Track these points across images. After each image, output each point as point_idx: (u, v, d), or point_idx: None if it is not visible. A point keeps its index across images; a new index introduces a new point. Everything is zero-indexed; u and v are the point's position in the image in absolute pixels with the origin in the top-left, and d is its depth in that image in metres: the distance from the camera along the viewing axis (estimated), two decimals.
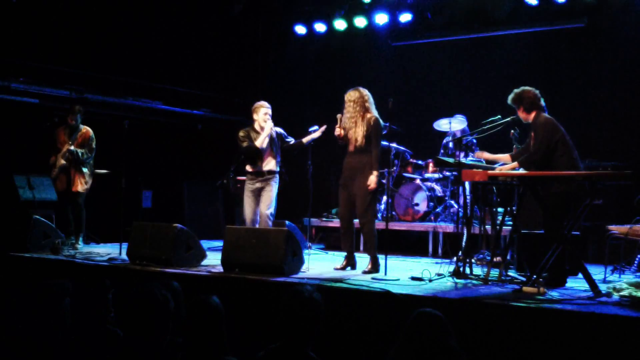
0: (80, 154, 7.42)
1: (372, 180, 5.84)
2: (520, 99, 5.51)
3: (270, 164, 6.61)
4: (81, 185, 7.49)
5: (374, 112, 6.01)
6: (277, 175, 6.65)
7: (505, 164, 5.73)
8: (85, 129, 7.59)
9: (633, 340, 3.81)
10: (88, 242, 7.85)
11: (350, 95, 6.03)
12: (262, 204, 6.54)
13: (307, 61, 10.73)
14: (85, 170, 7.52)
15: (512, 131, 6.19)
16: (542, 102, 5.50)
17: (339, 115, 6.09)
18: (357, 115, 5.95)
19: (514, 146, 6.16)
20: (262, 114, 6.60)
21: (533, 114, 5.45)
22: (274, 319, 3.23)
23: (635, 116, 8.14)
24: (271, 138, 6.61)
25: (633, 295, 4.37)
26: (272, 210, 6.55)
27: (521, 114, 5.54)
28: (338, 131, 6.04)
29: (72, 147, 7.40)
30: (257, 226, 6.48)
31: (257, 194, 6.59)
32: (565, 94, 8.10)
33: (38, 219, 7.11)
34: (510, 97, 5.59)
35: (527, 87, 5.53)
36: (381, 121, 6.01)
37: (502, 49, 9.16)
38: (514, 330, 4.13)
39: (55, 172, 7.51)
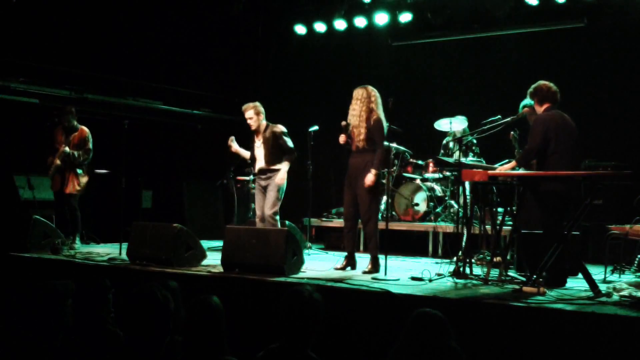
0: (75, 156, 7.42)
1: (369, 178, 5.84)
2: (536, 91, 5.55)
3: (260, 163, 6.67)
4: (73, 187, 7.48)
5: (379, 113, 6.00)
6: (279, 173, 6.60)
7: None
8: (81, 129, 7.57)
9: (633, 340, 3.81)
10: (88, 242, 7.84)
11: (358, 93, 6.02)
12: (266, 206, 6.59)
13: (307, 61, 10.72)
14: (80, 171, 7.50)
15: (512, 132, 6.18)
16: (556, 98, 5.50)
17: (343, 123, 6.08)
18: (361, 113, 5.95)
19: (515, 150, 6.16)
20: (246, 117, 6.70)
21: (543, 107, 5.47)
22: (274, 319, 3.23)
23: (635, 116, 8.14)
24: (265, 137, 6.63)
25: (633, 295, 4.38)
26: (275, 209, 6.57)
27: (536, 107, 5.57)
28: (343, 139, 6.05)
29: (67, 149, 7.38)
30: (264, 223, 6.58)
31: (264, 192, 6.68)
32: (565, 94, 8.04)
33: (38, 219, 7.10)
34: (529, 90, 5.61)
35: (545, 81, 5.56)
36: (385, 122, 6.01)
37: (502, 49, 9.16)
38: (514, 330, 4.13)
39: (51, 172, 7.52)
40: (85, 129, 7.58)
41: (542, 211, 5.22)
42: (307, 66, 10.74)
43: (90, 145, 7.56)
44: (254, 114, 6.66)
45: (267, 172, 6.65)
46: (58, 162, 7.45)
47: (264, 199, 6.65)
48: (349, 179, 6.08)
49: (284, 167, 6.61)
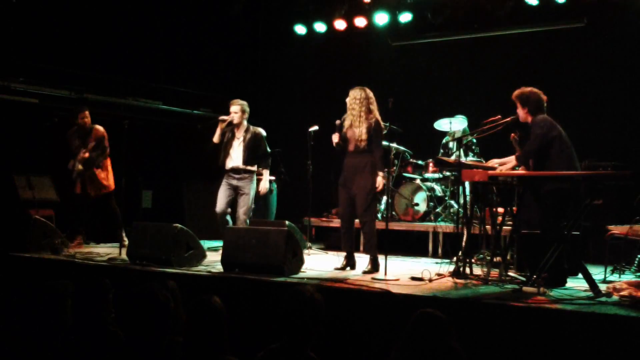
0: (94, 158, 7.50)
1: (380, 181, 5.88)
2: (528, 100, 5.47)
3: (234, 162, 6.83)
4: (104, 187, 7.56)
5: (376, 114, 6.02)
6: (251, 176, 6.88)
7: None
8: (95, 128, 7.59)
9: (633, 340, 3.81)
10: (88, 242, 7.84)
11: (357, 93, 6.01)
12: (239, 208, 6.80)
13: (307, 61, 10.72)
14: (100, 170, 7.57)
15: (513, 134, 6.17)
16: (544, 108, 5.50)
17: (337, 122, 6.09)
18: (361, 114, 5.95)
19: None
20: (231, 111, 6.87)
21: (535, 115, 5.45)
22: (274, 319, 3.23)
23: (635, 116, 8.14)
24: (245, 138, 6.83)
25: (633, 295, 4.38)
26: (249, 213, 6.83)
27: (521, 113, 5.51)
28: (336, 138, 6.05)
29: (87, 155, 7.45)
30: (227, 219, 6.83)
31: (234, 191, 6.84)
32: (565, 94, 8.10)
33: (38, 219, 7.10)
34: (516, 93, 5.54)
35: (536, 90, 5.51)
36: (382, 123, 6.03)
37: (502, 49, 9.16)
38: (514, 330, 4.13)
39: (74, 177, 7.59)
40: (100, 127, 7.62)
41: (542, 211, 5.21)
42: (307, 66, 10.74)
43: (107, 144, 7.63)
44: (239, 110, 6.87)
45: (242, 172, 6.84)
46: (80, 167, 7.51)
47: (230, 197, 6.82)
48: (344, 179, 6.08)
49: (266, 175, 6.95)
